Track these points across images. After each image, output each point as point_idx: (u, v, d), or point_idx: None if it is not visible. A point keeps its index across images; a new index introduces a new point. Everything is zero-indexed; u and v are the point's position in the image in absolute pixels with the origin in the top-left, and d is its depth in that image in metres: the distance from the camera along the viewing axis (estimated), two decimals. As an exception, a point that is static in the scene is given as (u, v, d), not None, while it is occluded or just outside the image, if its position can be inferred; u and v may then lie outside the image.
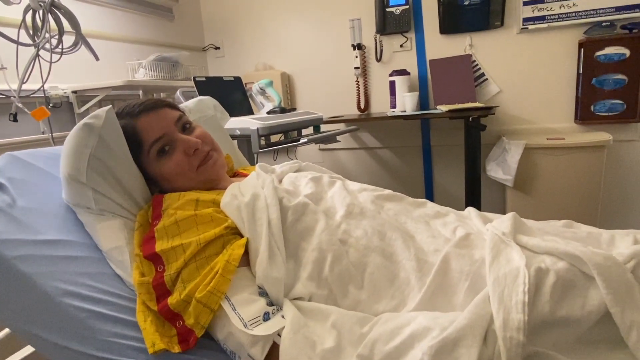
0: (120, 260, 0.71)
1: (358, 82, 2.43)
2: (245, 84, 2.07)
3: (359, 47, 2.36)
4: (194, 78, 1.78)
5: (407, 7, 2.21)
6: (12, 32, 1.42)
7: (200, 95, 1.22)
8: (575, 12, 1.95)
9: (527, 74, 2.11)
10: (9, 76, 1.47)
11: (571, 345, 0.52)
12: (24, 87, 1.47)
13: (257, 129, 1.52)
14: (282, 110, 1.82)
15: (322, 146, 2.60)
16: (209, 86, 1.83)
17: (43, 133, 1.64)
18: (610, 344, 0.52)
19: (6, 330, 1.18)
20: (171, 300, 0.62)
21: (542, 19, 2.01)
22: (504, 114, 2.18)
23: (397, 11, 2.23)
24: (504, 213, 0.75)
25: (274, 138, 1.77)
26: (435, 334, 0.51)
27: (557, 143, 1.83)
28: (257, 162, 1.62)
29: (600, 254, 0.54)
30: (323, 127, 2.06)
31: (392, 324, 0.56)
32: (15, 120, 1.47)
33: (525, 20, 2.04)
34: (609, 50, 1.87)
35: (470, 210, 0.82)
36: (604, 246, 0.65)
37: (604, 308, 0.51)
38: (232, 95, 1.97)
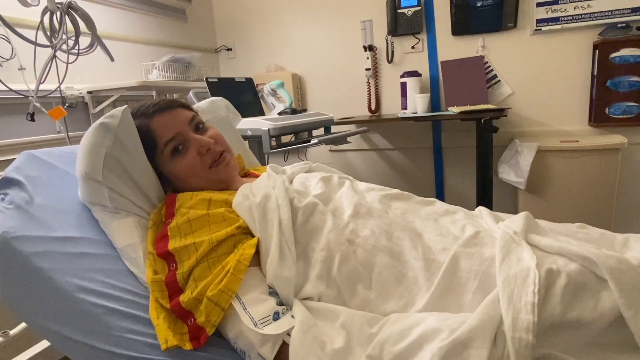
0: (134, 258, 0.73)
1: (369, 83, 2.43)
2: (257, 85, 2.08)
3: (370, 48, 2.37)
4: (207, 79, 1.80)
5: (419, 8, 2.21)
6: (30, 34, 1.45)
7: (212, 96, 1.23)
8: (590, 13, 1.92)
9: (540, 75, 2.09)
10: (27, 76, 1.51)
11: (582, 348, 0.51)
12: (41, 87, 1.50)
13: (268, 129, 1.53)
14: (293, 111, 1.83)
15: (333, 147, 2.61)
16: (221, 87, 1.85)
17: (59, 132, 1.67)
18: (622, 348, 0.51)
19: (22, 325, 1.21)
20: (183, 298, 0.63)
21: (556, 20, 1.99)
22: (516, 115, 2.16)
23: (409, 12, 2.23)
24: (516, 215, 0.74)
25: (285, 139, 1.78)
26: (445, 335, 0.51)
27: (571, 146, 1.81)
28: (267, 163, 1.63)
29: (613, 256, 0.54)
30: (333, 128, 2.06)
31: (402, 324, 0.56)
32: (32, 119, 1.50)
33: (539, 21, 2.02)
34: (625, 51, 1.84)
35: (481, 209, 0.81)
36: (618, 248, 0.64)
37: (617, 312, 0.50)
38: (244, 96, 1.99)
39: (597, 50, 1.91)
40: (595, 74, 1.92)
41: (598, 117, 1.95)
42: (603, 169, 1.79)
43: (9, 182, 0.81)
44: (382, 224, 0.71)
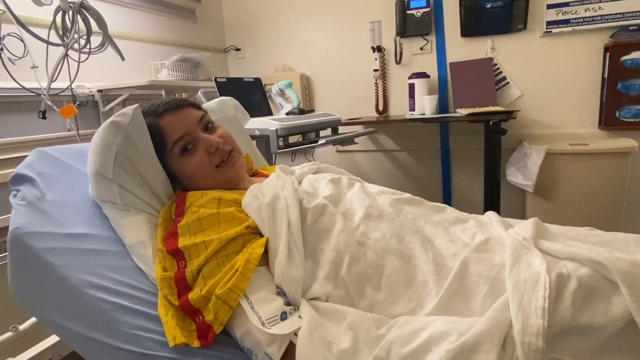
0: (143, 255, 0.73)
1: (377, 84, 2.43)
2: (265, 85, 2.09)
3: (378, 49, 2.36)
4: (215, 79, 1.80)
5: (428, 9, 2.20)
6: (42, 32, 1.46)
7: (220, 95, 1.24)
8: (601, 15, 1.91)
9: (549, 78, 2.07)
10: (39, 75, 1.52)
11: (593, 353, 0.51)
12: (53, 85, 1.52)
13: (276, 129, 1.54)
14: (301, 112, 1.83)
15: (340, 148, 2.61)
16: (230, 87, 1.86)
17: (69, 130, 1.69)
18: (634, 353, 0.50)
19: (31, 320, 1.22)
20: (192, 295, 0.63)
21: (566, 22, 1.97)
22: (525, 118, 2.15)
23: (418, 14, 2.22)
24: (524, 219, 0.74)
25: (293, 139, 1.78)
26: (453, 338, 0.51)
27: (580, 149, 1.80)
28: (275, 163, 1.63)
29: (625, 260, 0.53)
30: (341, 129, 2.07)
31: (410, 327, 0.56)
32: (44, 117, 1.51)
33: (549, 23, 2.00)
34: (636, 54, 1.82)
35: (491, 215, 0.81)
36: (632, 249, 0.64)
37: (629, 316, 0.50)
38: (252, 96, 1.99)
39: (608, 53, 1.89)
40: (606, 76, 1.91)
41: (608, 120, 1.94)
42: (613, 172, 1.77)
43: (21, 179, 0.82)
44: (394, 227, 0.71)
